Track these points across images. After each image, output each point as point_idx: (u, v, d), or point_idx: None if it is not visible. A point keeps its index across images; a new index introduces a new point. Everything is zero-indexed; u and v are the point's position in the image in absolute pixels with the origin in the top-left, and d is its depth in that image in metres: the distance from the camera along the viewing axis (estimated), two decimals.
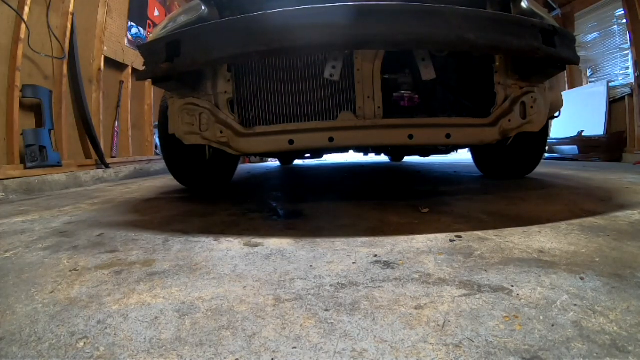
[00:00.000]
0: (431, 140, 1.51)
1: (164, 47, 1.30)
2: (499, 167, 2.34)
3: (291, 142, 1.46)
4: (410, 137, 1.45)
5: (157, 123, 4.78)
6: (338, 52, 1.40)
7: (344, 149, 2.09)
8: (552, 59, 1.39)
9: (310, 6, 1.19)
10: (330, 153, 2.97)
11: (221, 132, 1.50)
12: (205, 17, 1.46)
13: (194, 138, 1.55)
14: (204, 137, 1.53)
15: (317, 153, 2.65)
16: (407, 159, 5.31)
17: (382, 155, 4.61)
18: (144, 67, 1.43)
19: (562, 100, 1.93)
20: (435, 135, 1.49)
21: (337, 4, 1.20)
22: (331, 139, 1.44)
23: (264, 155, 2.10)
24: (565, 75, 6.35)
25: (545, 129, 2.04)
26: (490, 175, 2.48)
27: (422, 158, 5.10)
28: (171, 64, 1.29)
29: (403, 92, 1.53)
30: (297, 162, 5.45)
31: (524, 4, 1.51)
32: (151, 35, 1.66)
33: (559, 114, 1.94)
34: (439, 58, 1.52)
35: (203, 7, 1.47)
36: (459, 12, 1.25)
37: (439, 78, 1.49)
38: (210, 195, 2.05)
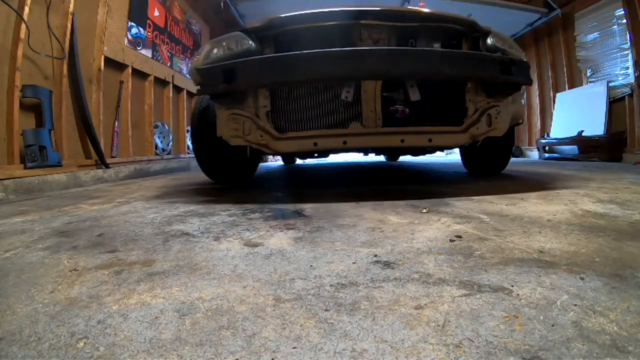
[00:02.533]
0: (418, 143, 1.91)
1: (221, 73, 1.70)
2: (479, 166, 2.83)
3: (315, 144, 1.87)
4: (402, 141, 1.87)
5: (157, 123, 4.80)
6: (352, 80, 1.83)
7: (353, 150, 2.56)
8: (508, 83, 1.84)
9: (331, 49, 1.65)
10: (341, 153, 3.44)
11: (261, 136, 1.88)
12: (252, 51, 1.88)
13: (238, 140, 1.91)
14: (247, 139, 1.89)
15: (327, 153, 3.11)
16: (407, 159, 5.66)
17: (380, 155, 5.45)
18: (203, 85, 1.82)
19: (523, 112, 2.43)
20: (420, 140, 1.90)
21: (350, 49, 1.71)
22: (344, 142, 1.87)
23: (293, 155, 2.74)
24: (565, 75, 6.38)
25: (512, 136, 2.54)
26: (472, 172, 2.94)
27: (424, 158, 5.79)
28: (228, 85, 1.69)
29: (397, 106, 1.90)
30: (298, 162, 5.56)
31: (489, 41, 1.98)
32: (197, 59, 1.99)
33: (522, 121, 2.36)
34: (425, 82, 1.93)
35: (250, 42, 1.90)
36: (437, 53, 1.75)
37: (424, 96, 1.91)
38: (209, 195, 2.05)
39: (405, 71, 1.69)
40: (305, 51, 1.64)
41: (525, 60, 1.99)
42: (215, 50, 1.91)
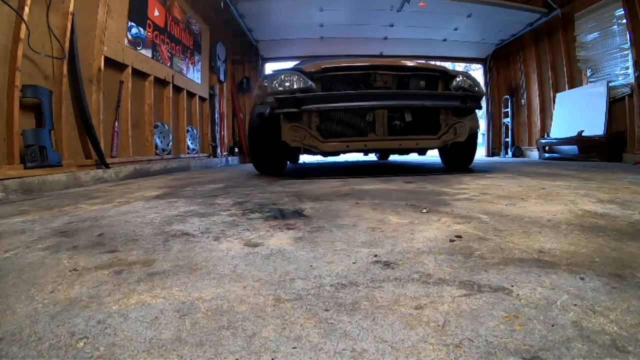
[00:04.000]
0: (409, 146, 3.08)
1: (293, 101, 2.77)
2: (452, 162, 3.82)
3: (347, 146, 3.00)
4: (400, 144, 3.03)
5: (157, 123, 4.81)
6: (370, 109, 2.96)
7: (369, 151, 3.80)
8: (466, 109, 3.01)
9: (361, 91, 2.93)
10: (362, 152, 4.55)
11: (312, 141, 2.89)
12: (312, 88, 2.89)
13: (296, 143, 2.91)
14: (302, 143, 2.90)
15: (352, 152, 3.90)
16: (405, 159, 6.19)
17: (374, 156, 7.03)
18: (278, 106, 2.83)
19: (478, 124, 3.45)
20: (411, 143, 3.04)
21: (371, 91, 2.96)
22: (365, 145, 3.06)
23: (332, 154, 3.56)
24: (565, 75, 6.40)
25: (474, 142, 3.61)
26: (448, 168, 3.86)
27: (424, 158, 6.54)
28: (297, 108, 2.77)
29: (397, 122, 3.03)
30: (300, 160, 5.76)
31: (455, 82, 3.10)
32: (266, 87, 2.99)
33: (477, 131, 3.46)
34: (414, 109, 3.00)
35: (310, 82, 2.91)
36: (422, 93, 3.02)
37: (414, 117, 3.02)
38: (209, 195, 2.05)
39: (402, 104, 2.92)
40: (346, 91, 2.93)
41: (480, 93, 3.16)
42: (277, 82, 2.90)
